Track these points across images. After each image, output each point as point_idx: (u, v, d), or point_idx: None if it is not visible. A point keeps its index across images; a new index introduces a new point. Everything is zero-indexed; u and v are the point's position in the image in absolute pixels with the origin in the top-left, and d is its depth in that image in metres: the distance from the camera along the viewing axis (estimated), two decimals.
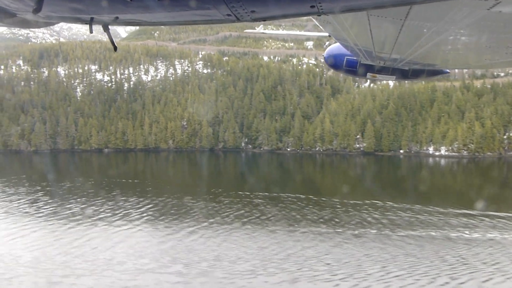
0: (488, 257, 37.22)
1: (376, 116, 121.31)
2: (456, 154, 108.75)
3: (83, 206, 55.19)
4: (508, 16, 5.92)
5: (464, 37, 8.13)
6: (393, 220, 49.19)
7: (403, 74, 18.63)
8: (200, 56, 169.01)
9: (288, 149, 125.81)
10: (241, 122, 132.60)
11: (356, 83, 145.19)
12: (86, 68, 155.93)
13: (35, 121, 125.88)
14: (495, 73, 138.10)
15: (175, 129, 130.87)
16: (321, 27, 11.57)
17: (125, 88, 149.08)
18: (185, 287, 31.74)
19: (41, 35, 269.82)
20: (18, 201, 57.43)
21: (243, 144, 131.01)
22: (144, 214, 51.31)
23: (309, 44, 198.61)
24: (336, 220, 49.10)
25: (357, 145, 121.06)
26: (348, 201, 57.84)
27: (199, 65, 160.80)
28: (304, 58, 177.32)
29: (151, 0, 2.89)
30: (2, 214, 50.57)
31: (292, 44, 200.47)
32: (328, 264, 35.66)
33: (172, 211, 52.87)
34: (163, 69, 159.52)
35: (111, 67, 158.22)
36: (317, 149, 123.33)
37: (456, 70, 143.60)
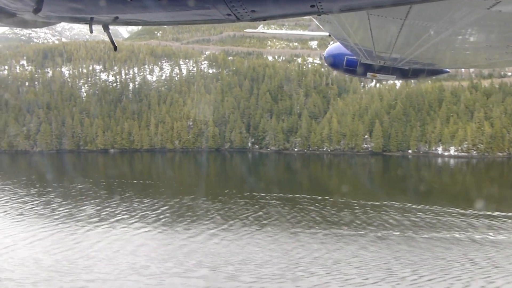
0: None
1: (384, 116, 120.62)
2: (466, 154, 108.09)
3: (98, 207, 54.39)
4: (508, 15, 5.88)
5: (464, 36, 8.11)
6: (415, 221, 48.53)
7: (403, 73, 18.63)
8: (204, 56, 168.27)
9: (296, 149, 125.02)
10: (248, 122, 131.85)
11: (362, 83, 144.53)
12: (90, 68, 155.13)
13: (40, 121, 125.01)
14: (502, 72, 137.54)
15: (181, 129, 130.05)
16: (321, 27, 11.48)
17: (130, 88, 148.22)
18: None
19: (43, 35, 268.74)
20: (32, 203, 56.65)
21: (249, 144, 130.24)
22: (161, 216, 50.57)
23: (313, 44, 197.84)
24: (357, 222, 48.41)
25: (365, 145, 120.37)
26: (366, 202, 57.14)
27: (204, 65, 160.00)
28: (309, 58, 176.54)
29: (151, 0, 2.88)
30: (18, 216, 49.78)
31: (296, 44, 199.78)
32: (358, 267, 34.97)
33: (189, 213, 52.14)
34: (168, 69, 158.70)
35: (115, 67, 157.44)
36: (324, 149, 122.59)
37: (463, 70, 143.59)
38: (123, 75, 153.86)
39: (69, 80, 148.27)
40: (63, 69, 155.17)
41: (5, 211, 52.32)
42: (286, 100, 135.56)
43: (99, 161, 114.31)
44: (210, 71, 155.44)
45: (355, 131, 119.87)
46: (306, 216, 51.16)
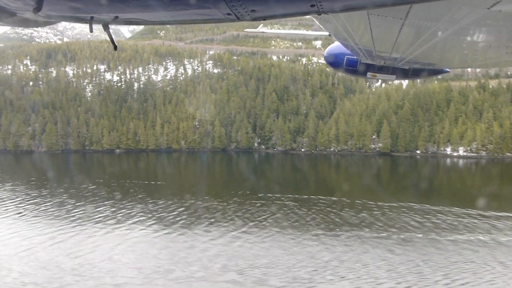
0: None
1: (391, 116, 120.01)
2: (475, 154, 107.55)
3: (113, 209, 53.59)
4: (508, 15, 5.87)
5: (464, 36, 8.09)
6: (437, 223, 47.87)
7: (403, 73, 18.65)
8: (208, 55, 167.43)
9: (302, 150, 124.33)
10: (254, 122, 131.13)
11: (368, 83, 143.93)
12: (94, 68, 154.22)
13: (46, 121, 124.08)
14: (509, 72, 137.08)
15: (187, 130, 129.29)
16: (321, 26, 11.45)
17: (135, 88, 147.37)
18: None
19: (45, 35, 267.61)
20: (45, 204, 55.81)
21: (255, 145, 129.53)
22: (179, 218, 49.78)
23: (318, 43, 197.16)
24: (379, 224, 47.70)
25: (373, 146, 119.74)
26: (384, 203, 56.46)
27: (209, 65, 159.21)
28: (313, 58, 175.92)
29: None
30: (33, 218, 48.94)
31: (300, 43, 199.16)
32: (388, 271, 34.27)
33: (207, 215, 51.37)
34: (172, 69, 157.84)
35: (119, 67, 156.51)
36: (331, 149, 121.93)
37: (469, 70, 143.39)
38: (127, 74, 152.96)
39: (73, 80, 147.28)
40: (67, 69, 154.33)
41: (19, 213, 51.48)
42: (293, 100, 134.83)
43: (106, 162, 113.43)
44: (215, 71, 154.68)
45: (362, 131, 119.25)
46: (326, 217, 50.44)
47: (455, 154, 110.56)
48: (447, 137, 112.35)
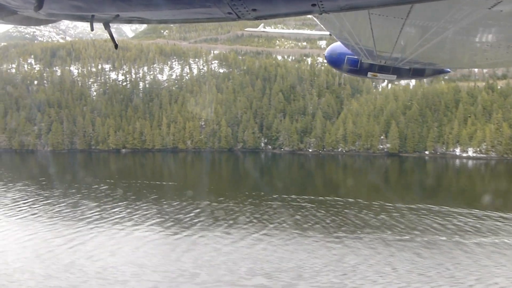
0: None
1: (399, 116, 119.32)
2: (484, 155, 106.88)
3: (129, 210, 52.84)
4: (509, 15, 5.83)
5: (465, 36, 8.09)
6: (459, 226, 47.13)
7: (404, 73, 18.61)
8: (213, 55, 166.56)
9: (310, 150, 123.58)
10: (260, 123, 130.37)
11: (374, 83, 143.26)
12: (99, 67, 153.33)
13: (52, 120, 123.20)
14: None
15: (193, 129, 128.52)
16: (322, 26, 11.40)
17: (140, 87, 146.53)
18: None
19: (47, 33, 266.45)
20: (59, 205, 55.00)
21: (262, 145, 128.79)
22: (197, 220, 49.02)
23: (322, 43, 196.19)
24: (400, 226, 46.97)
25: (381, 146, 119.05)
26: (401, 205, 55.79)
27: (214, 64, 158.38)
28: (319, 58, 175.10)
29: None
30: (49, 220, 48.12)
31: (305, 43, 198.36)
32: (420, 275, 33.55)
33: (225, 216, 50.61)
34: (177, 68, 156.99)
35: (124, 66, 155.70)
36: (339, 150, 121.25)
37: (476, 70, 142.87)
38: (132, 74, 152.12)
39: (78, 79, 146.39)
40: (71, 68, 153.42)
41: (34, 214, 50.64)
42: (299, 100, 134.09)
43: (114, 161, 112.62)
44: (221, 70, 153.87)
45: (370, 132, 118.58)
46: (345, 219, 49.73)
47: (464, 155, 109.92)
48: (456, 137, 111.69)
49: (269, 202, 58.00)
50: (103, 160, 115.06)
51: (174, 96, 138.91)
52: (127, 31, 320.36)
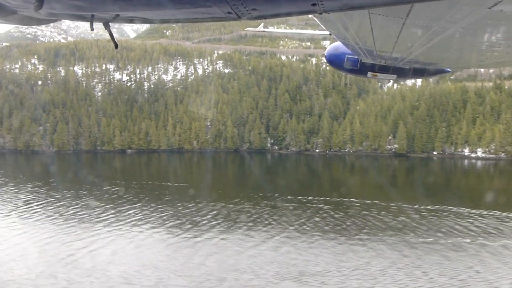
0: None
1: (407, 117, 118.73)
2: (494, 156, 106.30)
3: (145, 212, 52.02)
4: (509, 15, 5.82)
5: (465, 36, 8.08)
6: (482, 227, 46.44)
7: (404, 73, 18.51)
8: (217, 55, 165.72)
9: (317, 151, 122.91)
10: (267, 123, 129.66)
11: (379, 83, 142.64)
12: (103, 67, 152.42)
13: (57, 121, 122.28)
14: None
15: (199, 130, 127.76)
16: (322, 26, 11.35)
17: (145, 87, 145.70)
18: None
19: (49, 34, 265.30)
20: (73, 207, 54.10)
21: (268, 145, 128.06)
22: (215, 222, 48.24)
23: (326, 43, 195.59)
24: (422, 228, 46.30)
25: (388, 147, 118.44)
26: (419, 206, 55.10)
27: (219, 65, 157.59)
28: (323, 58, 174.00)
29: None
30: (66, 222, 47.23)
31: (309, 43, 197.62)
32: (452, 278, 32.84)
33: (243, 218, 49.79)
34: (182, 69, 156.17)
35: (128, 66, 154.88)
36: (346, 150, 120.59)
37: (482, 70, 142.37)
38: (137, 74, 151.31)
39: (83, 79, 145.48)
40: (75, 68, 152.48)
41: (49, 216, 49.79)
42: (306, 100, 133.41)
43: (121, 162, 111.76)
44: (226, 70, 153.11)
45: (378, 132, 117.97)
46: (365, 221, 48.98)
47: (473, 155, 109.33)
48: (465, 138, 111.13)
49: (285, 204, 57.26)
50: (110, 160, 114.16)
51: (179, 97, 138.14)
52: (129, 31, 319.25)
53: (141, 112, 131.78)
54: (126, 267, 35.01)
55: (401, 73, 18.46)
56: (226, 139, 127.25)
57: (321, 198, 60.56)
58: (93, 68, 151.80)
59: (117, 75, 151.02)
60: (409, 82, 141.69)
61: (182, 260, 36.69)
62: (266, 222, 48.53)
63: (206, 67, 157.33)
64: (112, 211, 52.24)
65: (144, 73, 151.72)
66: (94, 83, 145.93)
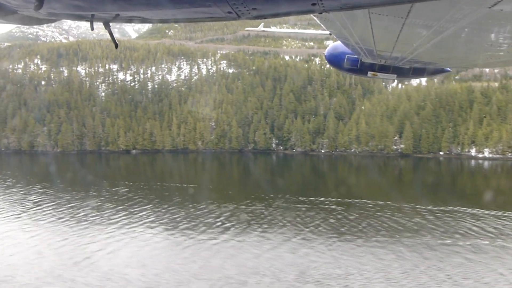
0: None
1: (413, 117, 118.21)
2: (501, 156, 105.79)
3: (158, 214, 51.44)
4: (510, 14, 5.85)
5: (465, 35, 8.12)
6: (499, 229, 45.96)
7: (404, 72, 18.51)
8: (221, 54, 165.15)
9: (322, 151, 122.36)
10: (271, 123, 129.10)
11: (384, 83, 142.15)
12: (106, 67, 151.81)
13: (61, 121, 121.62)
14: None
15: (204, 130, 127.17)
16: (322, 25, 11.40)
17: (149, 87, 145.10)
18: None
19: (50, 34, 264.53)
20: (84, 209, 53.45)
21: (273, 146, 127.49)
22: (229, 224, 47.70)
23: (329, 43, 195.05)
24: (439, 229, 45.75)
25: (395, 147, 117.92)
26: (432, 207, 54.64)
27: (223, 65, 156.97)
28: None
29: None
30: (77, 224, 46.62)
31: (312, 43, 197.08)
32: (476, 282, 32.30)
33: (258, 220, 49.30)
34: (186, 69, 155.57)
35: (132, 66, 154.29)
36: (352, 150, 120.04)
37: (487, 70, 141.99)
38: (141, 74, 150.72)
39: (86, 79, 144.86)
40: (78, 68, 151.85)
41: (60, 218, 49.20)
42: (311, 100, 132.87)
43: (127, 163, 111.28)
44: (230, 70, 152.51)
45: (384, 133, 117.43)
46: (381, 223, 48.39)
47: (480, 155, 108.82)
48: (472, 138, 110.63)
49: (297, 205, 56.72)
50: (115, 161, 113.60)
51: (183, 97, 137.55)
52: (130, 31, 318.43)
53: (146, 112, 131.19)
54: (144, 271, 34.46)
55: (401, 72, 18.44)
56: (230, 139, 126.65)
57: (333, 199, 60.00)
58: (96, 68, 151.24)
59: (121, 75, 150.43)
60: (414, 82, 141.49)
61: (201, 263, 36.15)
62: (281, 224, 47.99)
63: (209, 67, 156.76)
64: (124, 213, 51.67)
65: (147, 73, 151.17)
66: (97, 83, 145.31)
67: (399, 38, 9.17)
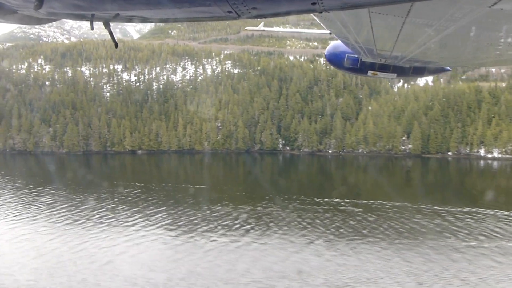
0: None
1: (421, 117, 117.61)
2: (510, 156, 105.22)
3: (175, 216, 50.65)
4: (510, 13, 5.86)
5: (465, 34, 8.13)
6: None
7: (404, 71, 18.57)
8: (225, 54, 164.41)
9: (330, 151, 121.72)
10: (278, 123, 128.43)
11: (389, 83, 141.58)
12: (111, 67, 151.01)
13: (67, 122, 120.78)
14: None
15: (210, 131, 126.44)
16: (322, 25, 11.42)
17: (154, 88, 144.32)
18: None
19: (52, 34, 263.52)
20: (99, 211, 52.72)
21: (280, 146, 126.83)
22: (248, 226, 46.94)
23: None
24: (463, 231, 45.02)
25: (403, 147, 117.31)
26: (451, 208, 53.92)
27: (228, 65, 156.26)
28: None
29: None
30: (94, 226, 45.85)
31: (316, 43, 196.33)
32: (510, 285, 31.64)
33: (277, 222, 48.58)
34: (190, 69, 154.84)
35: (136, 67, 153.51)
36: (360, 151, 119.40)
37: (493, 70, 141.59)
38: (145, 75, 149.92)
39: (92, 80, 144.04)
40: (82, 69, 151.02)
41: (76, 220, 48.42)
42: (317, 100, 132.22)
43: (135, 163, 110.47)
44: (235, 71, 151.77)
45: (392, 133, 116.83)
46: (402, 225, 47.64)
47: (489, 155, 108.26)
48: (480, 138, 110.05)
49: (314, 206, 55.98)
50: (122, 162, 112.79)
51: (189, 97, 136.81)
52: (132, 31, 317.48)
53: (151, 112, 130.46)
54: (169, 275, 33.72)
55: (401, 71, 18.46)
56: (237, 140, 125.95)
57: (349, 200, 59.38)
58: (100, 68, 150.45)
59: (125, 76, 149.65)
60: (421, 82, 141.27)
61: (226, 267, 35.40)
62: (301, 226, 47.26)
63: (214, 67, 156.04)
64: (140, 215, 50.92)
65: (152, 74, 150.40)
66: (102, 83, 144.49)
67: (399, 37, 9.16)
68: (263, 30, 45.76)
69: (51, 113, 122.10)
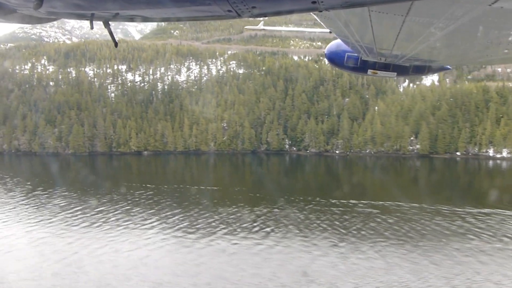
0: None
1: (429, 117, 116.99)
2: None
3: (191, 218, 49.92)
4: (510, 12, 5.84)
5: (466, 33, 8.12)
6: None
7: (404, 70, 18.64)
8: (229, 54, 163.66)
9: (337, 152, 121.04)
10: (284, 124, 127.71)
11: (395, 82, 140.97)
12: (115, 68, 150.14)
13: (72, 123, 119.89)
14: None
15: (216, 131, 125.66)
16: (322, 24, 11.36)
17: (159, 88, 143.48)
18: None
19: (54, 34, 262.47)
20: (114, 213, 51.92)
21: (286, 146, 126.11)
22: (268, 228, 46.27)
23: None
24: (487, 232, 44.43)
25: (410, 147, 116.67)
26: (471, 209, 53.32)
27: (233, 65, 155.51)
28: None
29: None
30: (111, 229, 45.04)
31: (320, 43, 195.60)
32: None
33: (295, 224, 47.87)
34: (195, 69, 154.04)
35: (140, 67, 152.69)
36: (367, 151, 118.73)
37: (500, 69, 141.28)
38: (150, 75, 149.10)
39: (96, 80, 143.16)
40: (86, 69, 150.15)
41: (93, 222, 47.60)
42: (324, 100, 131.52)
43: (142, 165, 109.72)
44: (240, 71, 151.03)
45: (400, 133, 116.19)
46: (424, 226, 47.02)
47: (498, 155, 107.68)
48: (489, 138, 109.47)
49: (331, 208, 55.30)
50: (129, 163, 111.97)
51: (194, 97, 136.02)
52: (133, 31, 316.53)
53: (157, 113, 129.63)
54: (196, 280, 33.00)
55: (402, 70, 18.49)
56: (243, 140, 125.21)
57: (365, 202, 58.69)
58: (104, 69, 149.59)
59: (130, 76, 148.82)
60: (428, 82, 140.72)
61: (252, 271, 34.68)
62: (321, 228, 46.55)
63: (219, 67, 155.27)
64: (156, 217, 50.18)
65: (157, 74, 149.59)
66: (106, 84, 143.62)
67: (399, 36, 9.16)
68: (263, 29, 45.29)
69: (56, 114, 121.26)
